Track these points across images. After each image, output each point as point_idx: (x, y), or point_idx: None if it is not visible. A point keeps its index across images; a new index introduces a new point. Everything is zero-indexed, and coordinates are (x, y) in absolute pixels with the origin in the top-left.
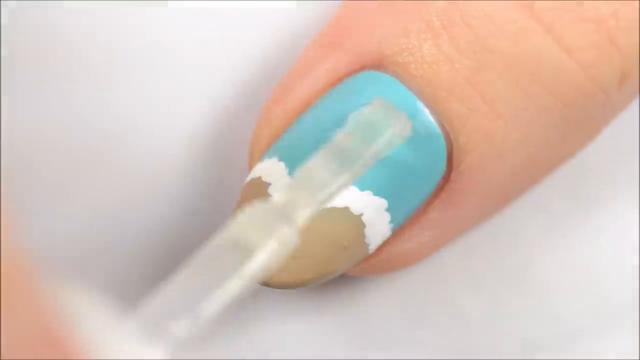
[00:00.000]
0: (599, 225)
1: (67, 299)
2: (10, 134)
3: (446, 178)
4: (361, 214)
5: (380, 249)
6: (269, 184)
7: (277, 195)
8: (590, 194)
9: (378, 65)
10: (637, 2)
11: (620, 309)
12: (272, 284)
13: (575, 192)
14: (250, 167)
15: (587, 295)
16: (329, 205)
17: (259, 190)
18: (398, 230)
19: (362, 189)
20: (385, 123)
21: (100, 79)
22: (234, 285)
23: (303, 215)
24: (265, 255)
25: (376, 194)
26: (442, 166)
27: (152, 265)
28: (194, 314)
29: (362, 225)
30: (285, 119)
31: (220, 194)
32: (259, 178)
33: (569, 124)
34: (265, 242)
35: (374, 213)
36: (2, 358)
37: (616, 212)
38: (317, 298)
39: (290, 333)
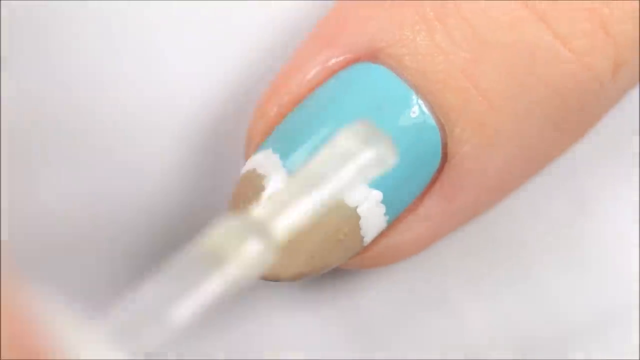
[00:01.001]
0: (598, 225)
1: (36, 302)
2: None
3: (441, 170)
4: (356, 207)
5: (375, 241)
6: (263, 176)
7: (257, 208)
8: (590, 193)
9: (372, 58)
10: None
11: (620, 309)
12: (266, 277)
13: (575, 192)
14: (247, 160)
15: (586, 295)
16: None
17: (253, 182)
18: (393, 223)
19: None
20: (361, 148)
21: (96, 75)
22: (203, 295)
23: (281, 230)
24: (236, 267)
25: (371, 186)
26: (437, 158)
27: (144, 262)
28: (163, 322)
29: (357, 218)
30: (280, 112)
31: (216, 188)
32: (254, 170)
33: (564, 115)
34: (237, 254)
35: (369, 205)
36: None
37: (615, 212)
38: (312, 292)
39: (284, 328)
